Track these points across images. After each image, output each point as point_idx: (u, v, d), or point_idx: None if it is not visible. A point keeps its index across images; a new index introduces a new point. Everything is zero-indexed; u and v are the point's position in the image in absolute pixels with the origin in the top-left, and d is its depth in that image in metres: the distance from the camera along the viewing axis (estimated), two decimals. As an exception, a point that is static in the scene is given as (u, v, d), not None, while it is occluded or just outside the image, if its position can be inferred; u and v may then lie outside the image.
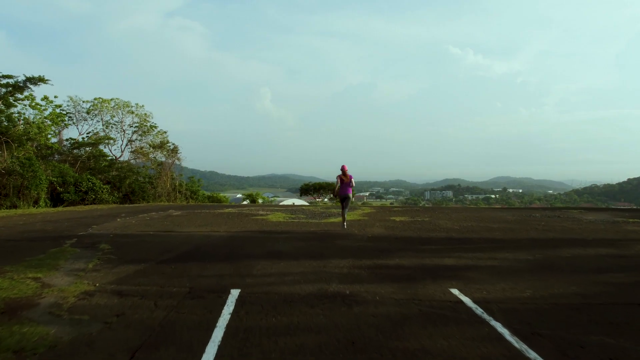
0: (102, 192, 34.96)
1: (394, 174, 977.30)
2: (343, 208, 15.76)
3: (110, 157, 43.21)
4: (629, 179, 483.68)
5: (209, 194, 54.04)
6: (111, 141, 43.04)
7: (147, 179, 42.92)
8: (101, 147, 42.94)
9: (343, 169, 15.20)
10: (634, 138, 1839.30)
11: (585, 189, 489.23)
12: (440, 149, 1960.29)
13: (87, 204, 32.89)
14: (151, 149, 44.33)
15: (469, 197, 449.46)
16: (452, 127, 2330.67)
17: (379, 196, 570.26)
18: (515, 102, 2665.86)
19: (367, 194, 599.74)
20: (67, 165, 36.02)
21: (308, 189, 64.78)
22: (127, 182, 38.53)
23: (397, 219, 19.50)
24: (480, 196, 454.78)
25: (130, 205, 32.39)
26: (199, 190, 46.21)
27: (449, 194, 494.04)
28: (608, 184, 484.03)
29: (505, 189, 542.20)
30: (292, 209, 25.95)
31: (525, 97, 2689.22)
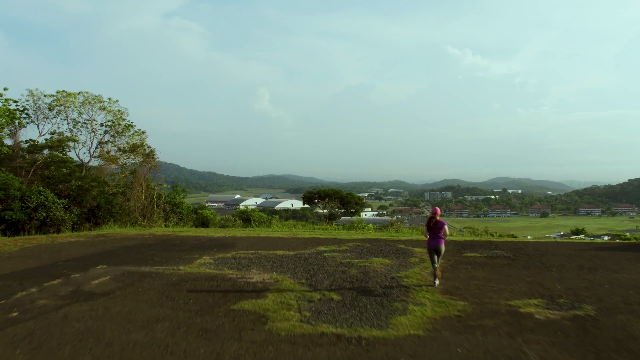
0: (56, 208, 26.83)
1: (393, 175, 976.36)
2: (433, 262, 11.90)
3: (76, 163, 35.23)
4: (629, 180, 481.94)
5: (196, 206, 45.71)
6: (76, 143, 34.93)
7: (120, 190, 34.80)
8: (67, 150, 35.07)
9: (434, 212, 12.02)
10: (633, 139, 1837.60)
11: (585, 189, 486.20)
12: (439, 149, 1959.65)
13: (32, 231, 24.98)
14: (121, 153, 35.92)
15: (469, 198, 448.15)
16: (451, 128, 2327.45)
17: (378, 197, 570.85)
18: (514, 103, 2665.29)
19: (365, 194, 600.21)
20: (11, 174, 27.86)
21: (312, 196, 56.88)
22: (91, 195, 30.41)
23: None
24: (480, 197, 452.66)
25: (63, 238, 24.52)
26: (182, 203, 37.73)
27: (449, 194, 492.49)
28: (609, 185, 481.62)
29: (505, 190, 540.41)
30: (308, 257, 16.32)
31: (523, 97, 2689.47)
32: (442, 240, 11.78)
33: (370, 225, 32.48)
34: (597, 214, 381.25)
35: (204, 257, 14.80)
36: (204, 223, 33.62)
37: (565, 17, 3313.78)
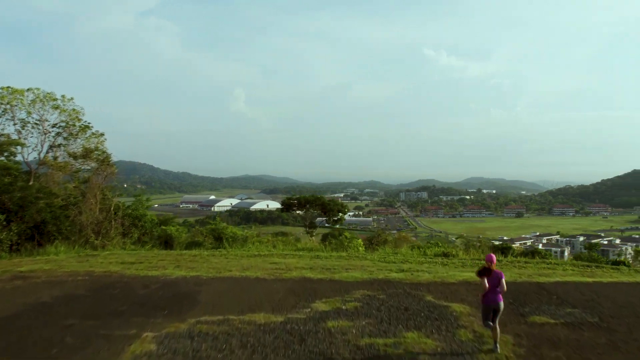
0: (-11, 225, 22.18)
1: (369, 175, 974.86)
2: (487, 320, 9.41)
3: (24, 170, 30.42)
4: (602, 180, 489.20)
5: (162, 216, 40.75)
6: (22, 147, 30.10)
7: (72, 201, 29.99)
8: (12, 156, 30.23)
9: (489, 260, 9.52)
10: (605, 140, 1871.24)
11: (559, 190, 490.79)
12: (414, 149, 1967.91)
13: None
14: (71, 159, 31.01)
15: (444, 198, 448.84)
16: (426, 128, 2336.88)
17: (354, 197, 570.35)
18: (489, 104, 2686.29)
19: (341, 195, 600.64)
20: None
21: (291, 203, 52.19)
22: (36, 209, 25.71)
23: None
24: (455, 197, 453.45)
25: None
26: (145, 215, 32.79)
27: (424, 195, 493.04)
28: (582, 185, 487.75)
29: (479, 190, 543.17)
30: (304, 332, 11.19)
31: (498, 98, 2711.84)
32: (500, 296, 9.62)
33: (359, 241, 28.30)
34: (571, 214, 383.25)
35: (145, 335, 9.52)
36: (167, 242, 28.86)
37: (540, 19, 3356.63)
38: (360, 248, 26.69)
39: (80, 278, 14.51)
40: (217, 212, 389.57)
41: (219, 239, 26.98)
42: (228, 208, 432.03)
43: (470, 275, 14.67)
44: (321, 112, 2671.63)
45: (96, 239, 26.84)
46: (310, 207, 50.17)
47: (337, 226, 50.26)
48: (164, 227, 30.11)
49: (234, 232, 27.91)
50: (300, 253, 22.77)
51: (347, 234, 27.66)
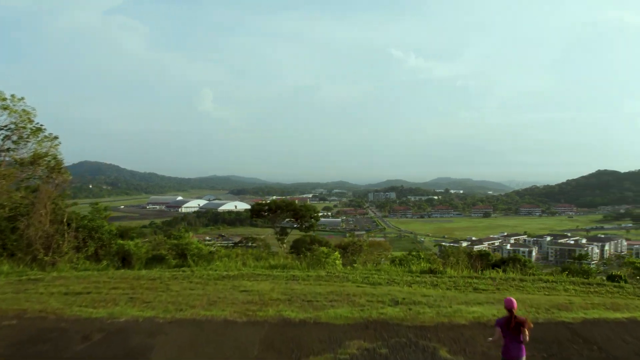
0: None
1: (337, 175, 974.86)
2: None
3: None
4: (567, 180, 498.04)
5: (122, 228, 37.81)
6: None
7: (22, 211, 27.09)
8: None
9: (510, 305, 7.76)
10: (570, 140, 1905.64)
11: (525, 190, 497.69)
12: (383, 150, 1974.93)
13: None
14: (18, 167, 28.02)
15: (412, 199, 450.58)
16: (394, 129, 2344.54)
17: (322, 198, 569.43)
18: (456, 105, 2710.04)
19: (310, 195, 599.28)
20: None
21: (261, 209, 49.34)
22: (-24, 222, 22.82)
23: None
24: (423, 197, 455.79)
25: None
26: (102, 226, 29.91)
27: (392, 195, 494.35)
28: (548, 185, 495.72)
29: (447, 190, 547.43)
30: None
31: (465, 99, 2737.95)
32: (523, 350, 7.95)
33: (336, 253, 26.04)
34: (537, 214, 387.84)
35: None
36: (125, 258, 26.11)
37: (506, 21, 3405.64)
38: (337, 263, 24.51)
39: (6, 323, 11.57)
40: (184, 213, 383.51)
41: (182, 256, 24.45)
42: (196, 209, 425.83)
43: (478, 310, 12.51)
44: (290, 113, 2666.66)
45: (46, 255, 24.01)
46: (281, 213, 47.73)
47: (311, 233, 47.98)
48: (121, 242, 27.35)
49: (199, 248, 25.38)
50: (274, 273, 20.39)
51: (324, 249, 25.40)
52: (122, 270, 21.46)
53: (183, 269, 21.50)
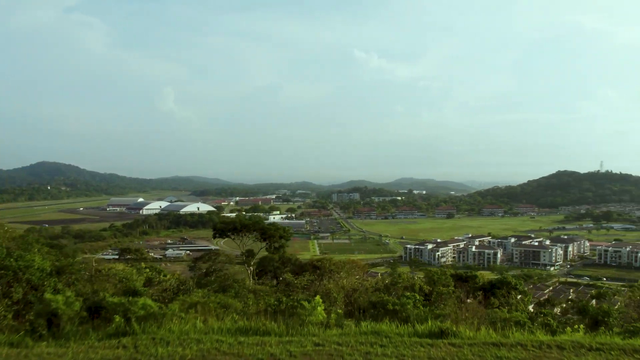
0: None
1: (301, 176, 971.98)
2: None
3: None
4: (528, 181, 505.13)
5: (59, 263, 32.12)
6: None
7: None
8: None
9: None
10: (530, 141, 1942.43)
11: (488, 190, 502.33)
12: (346, 150, 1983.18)
13: None
14: None
15: (376, 199, 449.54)
16: (357, 130, 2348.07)
17: (286, 199, 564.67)
18: (418, 106, 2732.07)
19: (273, 196, 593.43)
20: None
21: (226, 228, 44.05)
22: None
23: None
24: (387, 198, 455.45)
25: None
26: (32, 265, 24.11)
27: (356, 196, 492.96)
28: (510, 186, 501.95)
29: (410, 191, 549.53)
30: None
31: (427, 100, 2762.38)
32: None
33: (320, 308, 21.27)
34: (500, 214, 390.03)
35: None
36: (50, 320, 20.61)
37: (467, 24, 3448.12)
38: (320, 317, 19.77)
39: None
40: (145, 215, 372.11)
41: (127, 319, 19.15)
42: (157, 211, 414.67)
43: None
44: (253, 113, 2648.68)
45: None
46: (247, 233, 42.59)
47: (279, 254, 43.14)
48: (49, 298, 21.85)
49: (148, 307, 20.12)
50: (242, 341, 15.55)
51: (306, 304, 20.45)
52: (40, 346, 16.07)
53: (124, 340, 16.29)
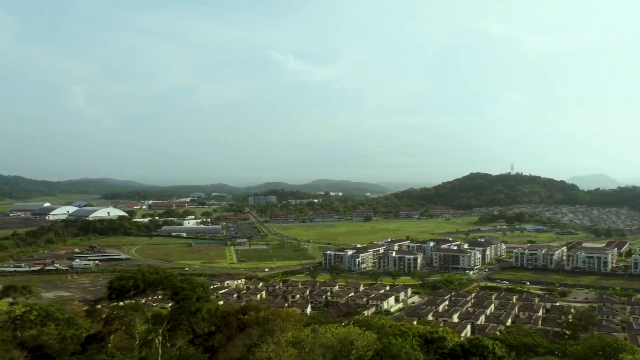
0: None
1: (217, 178, 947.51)
2: None
3: None
4: (443, 183, 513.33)
5: None
6: None
7: None
8: None
9: None
10: (444, 143, 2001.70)
11: (404, 192, 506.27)
12: (262, 152, 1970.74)
13: None
14: None
15: (293, 202, 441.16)
16: (273, 131, 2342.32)
17: (201, 202, 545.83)
18: (334, 108, 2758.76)
19: (188, 199, 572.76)
20: None
21: (124, 288, 32.14)
22: None
23: None
24: (304, 201, 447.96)
25: None
26: None
27: (273, 198, 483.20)
28: (425, 188, 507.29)
29: (327, 193, 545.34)
30: None
31: (343, 103, 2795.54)
32: None
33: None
34: (416, 216, 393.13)
35: None
36: None
37: (381, 28, 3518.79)
38: None
39: None
40: (52, 221, 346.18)
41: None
42: (64, 217, 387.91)
43: None
44: (168, 113, 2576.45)
45: None
46: (153, 293, 31.90)
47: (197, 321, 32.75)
48: None
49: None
50: None
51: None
52: None
53: None
